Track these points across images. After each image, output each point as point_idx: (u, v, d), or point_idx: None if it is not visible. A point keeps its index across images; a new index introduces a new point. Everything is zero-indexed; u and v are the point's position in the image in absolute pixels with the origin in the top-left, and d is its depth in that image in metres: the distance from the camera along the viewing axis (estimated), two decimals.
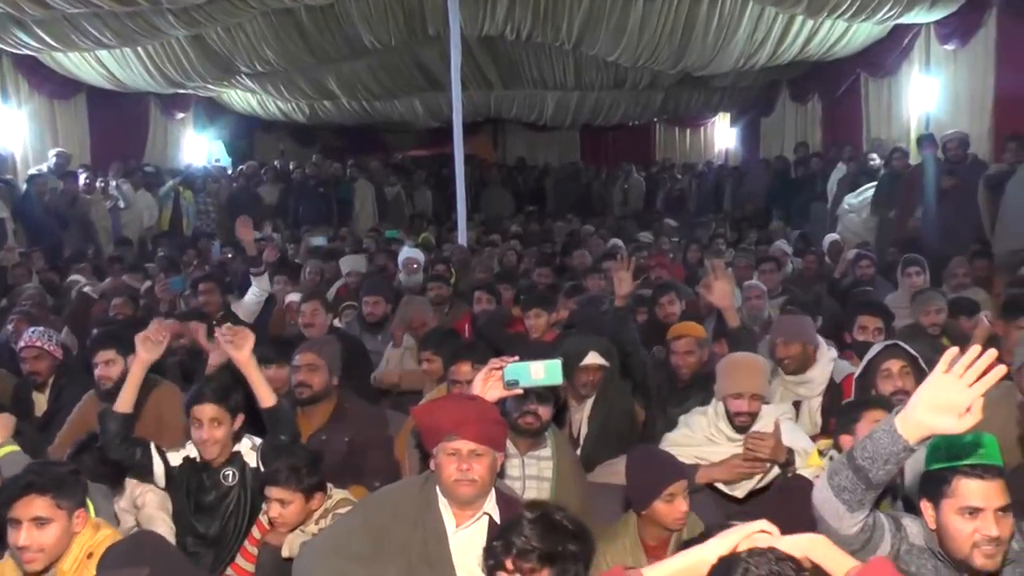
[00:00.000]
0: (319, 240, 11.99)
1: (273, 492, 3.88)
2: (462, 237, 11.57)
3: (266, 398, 4.27)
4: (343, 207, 15.95)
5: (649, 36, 13.75)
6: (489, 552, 2.79)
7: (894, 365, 4.22)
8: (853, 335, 5.82)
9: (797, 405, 5.23)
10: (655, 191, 19.10)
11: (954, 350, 2.45)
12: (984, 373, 2.38)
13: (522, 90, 17.99)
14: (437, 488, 3.23)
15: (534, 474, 4.25)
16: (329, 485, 4.07)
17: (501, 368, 3.48)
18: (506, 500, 3.32)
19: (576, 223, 15.24)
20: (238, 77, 15.85)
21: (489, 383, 3.50)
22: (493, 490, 3.28)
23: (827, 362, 5.26)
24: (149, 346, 4.30)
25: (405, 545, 3.18)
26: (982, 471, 2.71)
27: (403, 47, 15.22)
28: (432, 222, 15.79)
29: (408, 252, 10.03)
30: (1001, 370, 2.37)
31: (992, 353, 2.38)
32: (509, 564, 2.72)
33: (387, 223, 15.25)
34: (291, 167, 17.36)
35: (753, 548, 2.17)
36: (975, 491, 2.71)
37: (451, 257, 10.34)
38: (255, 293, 7.64)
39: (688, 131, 22.73)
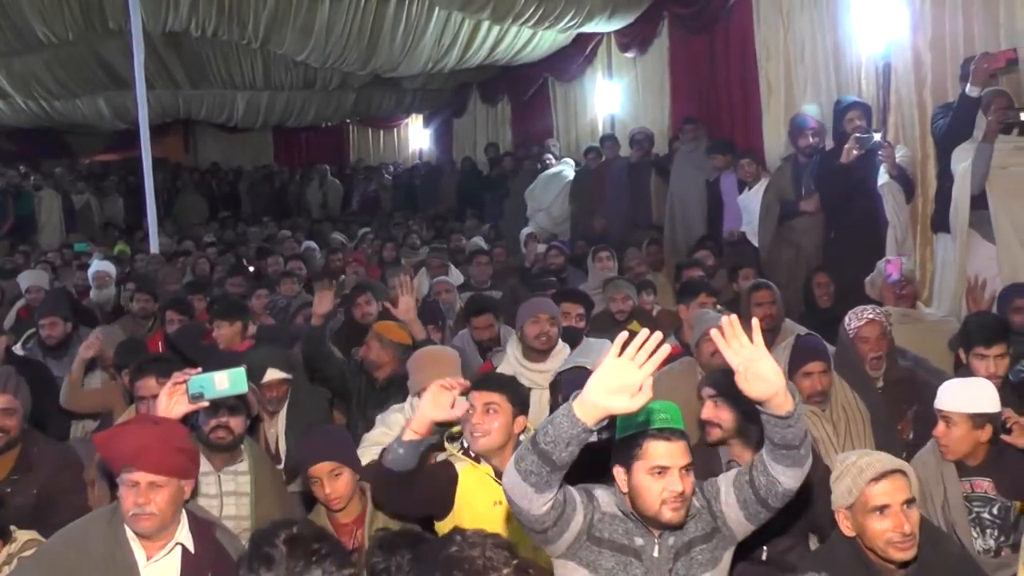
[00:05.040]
0: None
1: None
2: (154, 246, 11.12)
3: None
4: (26, 219, 14.79)
5: (337, 37, 13.67)
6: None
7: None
8: None
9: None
10: (351, 192, 19.14)
11: (624, 335, 2.62)
12: (652, 354, 2.57)
13: (211, 90, 17.37)
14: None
15: (231, 490, 4.12)
16: (13, 528, 3.69)
17: (185, 382, 3.39)
18: (201, 526, 3.23)
19: (272, 227, 15.05)
20: None
21: (174, 398, 3.41)
22: (184, 517, 3.18)
23: (562, 356, 5.25)
24: None
25: None
26: (669, 434, 2.95)
27: (82, 42, 14.14)
28: (124, 231, 15.06)
29: (98, 265, 9.50)
30: (667, 349, 2.58)
31: (658, 335, 2.57)
32: None
33: (76, 235, 14.39)
34: None
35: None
36: (662, 452, 2.93)
37: (141, 269, 9.90)
38: None
39: (382, 132, 22.95)
